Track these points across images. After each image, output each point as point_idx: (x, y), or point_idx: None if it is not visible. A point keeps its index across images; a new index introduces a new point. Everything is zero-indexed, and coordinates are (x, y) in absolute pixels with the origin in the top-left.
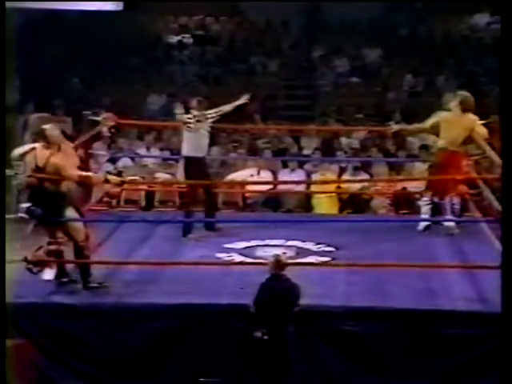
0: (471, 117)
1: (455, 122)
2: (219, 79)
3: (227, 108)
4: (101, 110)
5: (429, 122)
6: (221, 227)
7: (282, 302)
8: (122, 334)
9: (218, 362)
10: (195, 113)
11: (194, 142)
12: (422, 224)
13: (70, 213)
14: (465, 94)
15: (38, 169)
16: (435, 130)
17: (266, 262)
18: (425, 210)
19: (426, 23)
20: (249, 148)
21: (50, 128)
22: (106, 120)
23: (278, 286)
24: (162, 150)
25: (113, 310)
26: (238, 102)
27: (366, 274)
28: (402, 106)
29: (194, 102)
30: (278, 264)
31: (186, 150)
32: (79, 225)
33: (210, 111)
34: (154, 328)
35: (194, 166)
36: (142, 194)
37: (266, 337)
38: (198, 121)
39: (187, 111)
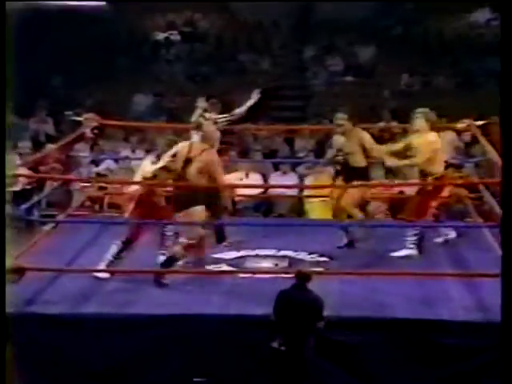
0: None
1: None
2: (208, 78)
3: (239, 111)
4: (84, 110)
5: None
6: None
7: (302, 313)
8: (105, 345)
9: (210, 371)
10: (208, 115)
11: None
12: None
13: None
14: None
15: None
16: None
17: (258, 272)
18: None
19: (422, 21)
20: (239, 150)
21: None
22: (88, 120)
23: (298, 296)
24: (147, 151)
25: (95, 320)
26: (250, 102)
27: (361, 283)
28: (396, 105)
29: (207, 104)
30: (302, 274)
31: None
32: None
33: (219, 116)
34: (140, 339)
35: None
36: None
37: (283, 348)
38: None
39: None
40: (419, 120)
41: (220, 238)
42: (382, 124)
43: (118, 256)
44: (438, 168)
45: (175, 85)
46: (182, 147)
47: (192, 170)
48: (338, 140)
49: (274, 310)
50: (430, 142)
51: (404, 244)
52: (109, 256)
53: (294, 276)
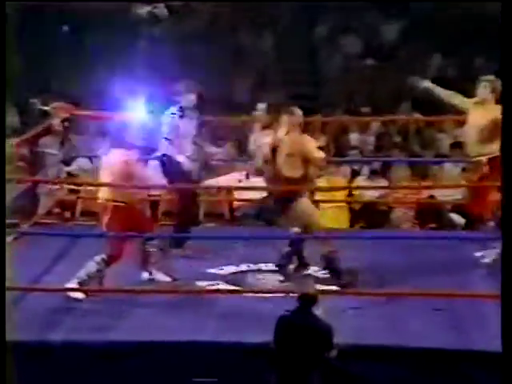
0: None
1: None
2: (199, 60)
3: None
4: (52, 98)
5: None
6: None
7: (306, 342)
8: (77, 379)
9: None
10: (186, 99)
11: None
12: (490, 255)
13: None
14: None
15: None
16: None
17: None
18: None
19: None
20: (237, 146)
21: None
22: (57, 110)
23: (302, 322)
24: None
25: (66, 348)
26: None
27: (382, 305)
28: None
29: (181, 86)
30: (306, 296)
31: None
32: None
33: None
34: (119, 371)
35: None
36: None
37: None
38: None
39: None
40: (483, 90)
41: (176, 243)
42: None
43: (94, 275)
44: (496, 147)
45: (160, 68)
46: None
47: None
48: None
49: (274, 338)
50: (493, 117)
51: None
52: (83, 274)
53: (296, 298)
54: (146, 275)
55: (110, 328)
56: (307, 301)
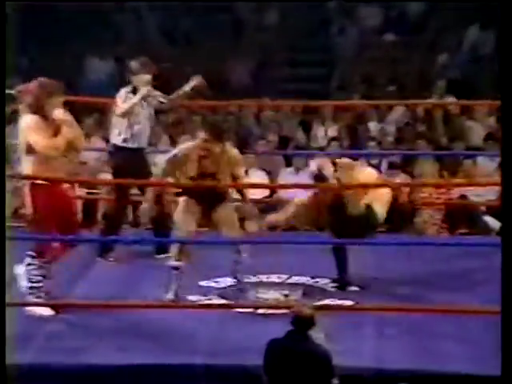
0: None
1: None
2: (190, 37)
3: (185, 90)
4: (19, 79)
5: None
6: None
7: (299, 371)
8: None
9: None
10: (138, 79)
11: (131, 125)
12: None
13: None
14: None
15: None
16: None
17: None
18: None
19: None
20: (235, 137)
21: None
22: (23, 94)
23: (295, 348)
24: (107, 140)
25: (28, 372)
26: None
27: (407, 324)
28: (457, 74)
29: (134, 65)
30: (300, 318)
31: (118, 137)
32: None
33: (158, 93)
34: None
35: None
36: (79, 203)
37: None
38: (142, 98)
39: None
40: None
41: (103, 249)
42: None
43: (37, 278)
44: None
45: (145, 45)
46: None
47: None
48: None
49: (264, 365)
50: None
51: None
52: (25, 284)
53: (291, 320)
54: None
55: (82, 349)
56: (302, 322)
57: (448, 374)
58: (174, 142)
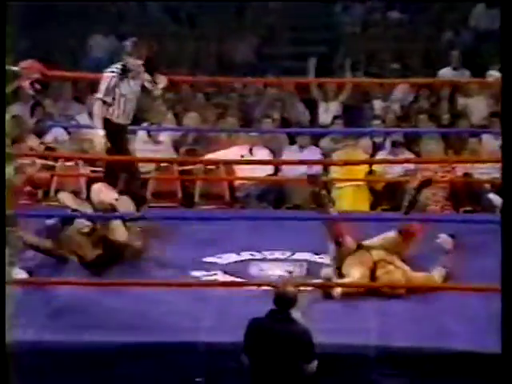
0: None
1: None
2: (194, 17)
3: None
4: (19, 56)
5: None
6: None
7: (278, 352)
8: None
9: None
10: (131, 61)
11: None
12: None
13: None
14: None
15: None
16: None
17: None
18: None
19: None
20: (239, 116)
21: None
22: (26, 71)
23: (274, 328)
24: None
25: (29, 351)
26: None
27: (412, 301)
28: (468, 49)
29: (128, 46)
30: (281, 295)
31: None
32: None
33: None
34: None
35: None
36: (83, 181)
37: None
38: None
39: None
40: None
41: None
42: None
43: None
44: None
45: (148, 24)
46: None
47: None
48: None
49: (244, 347)
50: None
51: None
52: None
53: (272, 299)
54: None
55: (84, 327)
56: (284, 301)
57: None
58: (178, 120)
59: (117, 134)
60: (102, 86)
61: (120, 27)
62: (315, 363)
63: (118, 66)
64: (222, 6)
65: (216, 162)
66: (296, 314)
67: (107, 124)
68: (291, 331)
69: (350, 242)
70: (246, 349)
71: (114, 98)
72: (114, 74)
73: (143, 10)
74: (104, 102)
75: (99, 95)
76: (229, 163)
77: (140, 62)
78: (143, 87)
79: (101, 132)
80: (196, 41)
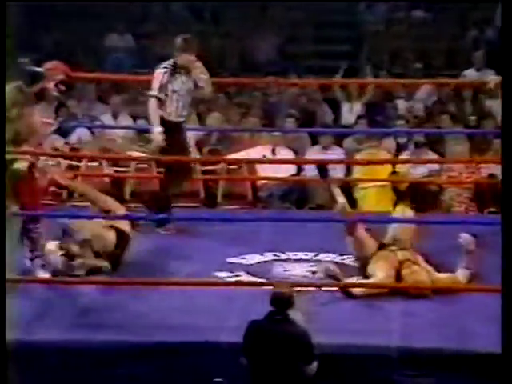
0: None
1: None
2: (218, 15)
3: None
4: (44, 56)
5: None
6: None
7: (277, 353)
8: None
9: None
10: (182, 58)
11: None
12: None
13: None
14: None
15: None
16: None
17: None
18: None
19: None
20: (262, 115)
21: None
22: (51, 72)
23: (273, 330)
24: (134, 117)
25: (53, 349)
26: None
27: (435, 302)
28: (488, 50)
29: (179, 43)
30: (277, 296)
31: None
32: None
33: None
34: (120, 376)
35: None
36: (107, 181)
37: None
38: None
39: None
40: None
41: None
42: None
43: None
44: None
45: (171, 23)
46: None
47: None
48: None
49: (242, 348)
50: None
51: None
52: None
53: (269, 300)
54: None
55: (102, 326)
56: (281, 302)
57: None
58: (201, 120)
59: (170, 132)
60: (155, 84)
61: (143, 26)
62: (315, 364)
63: (170, 62)
64: (246, 3)
65: (238, 162)
66: (295, 314)
67: (162, 122)
68: (289, 332)
69: (370, 242)
70: (245, 350)
71: (166, 95)
72: (165, 71)
73: (167, 9)
74: (158, 99)
75: (153, 92)
76: (251, 162)
77: (192, 58)
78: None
79: (158, 129)
80: (219, 39)
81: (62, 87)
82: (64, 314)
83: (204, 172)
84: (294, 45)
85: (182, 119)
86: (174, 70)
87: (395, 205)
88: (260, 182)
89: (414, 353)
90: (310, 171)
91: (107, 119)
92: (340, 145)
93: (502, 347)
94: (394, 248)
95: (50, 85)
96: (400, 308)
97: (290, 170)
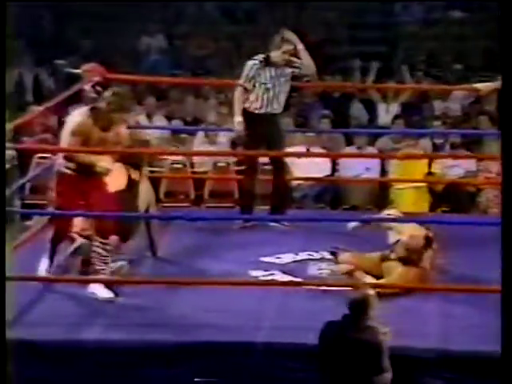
0: None
1: None
2: (252, 15)
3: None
4: (82, 58)
5: None
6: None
7: (349, 359)
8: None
9: None
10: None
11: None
12: None
13: None
14: None
15: None
16: None
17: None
18: None
19: None
20: (296, 115)
21: None
22: (89, 73)
23: (345, 334)
24: (169, 118)
25: (96, 349)
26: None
27: (473, 303)
28: None
29: (276, 40)
30: (355, 301)
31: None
32: None
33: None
34: (157, 377)
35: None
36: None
37: None
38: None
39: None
40: None
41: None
42: None
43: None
44: None
45: (204, 23)
46: None
47: None
48: None
49: (318, 348)
50: None
51: None
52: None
53: (347, 304)
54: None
55: (152, 325)
56: (357, 307)
57: None
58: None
59: (252, 124)
60: (244, 74)
61: (177, 27)
62: (387, 376)
63: (262, 56)
64: (280, 4)
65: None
66: (373, 320)
67: (244, 113)
68: (362, 341)
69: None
70: (319, 350)
71: (254, 86)
72: (255, 63)
73: (200, 10)
74: (245, 90)
75: (240, 81)
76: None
77: (287, 50)
78: (295, 77)
79: (238, 118)
80: (253, 40)
81: (99, 89)
82: (100, 314)
83: (238, 172)
84: (329, 45)
85: (269, 111)
86: (266, 63)
87: (431, 206)
88: (294, 182)
89: (450, 355)
90: (345, 171)
91: (142, 120)
92: (374, 145)
93: (502, 347)
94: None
95: (87, 86)
96: (436, 309)
97: (325, 170)
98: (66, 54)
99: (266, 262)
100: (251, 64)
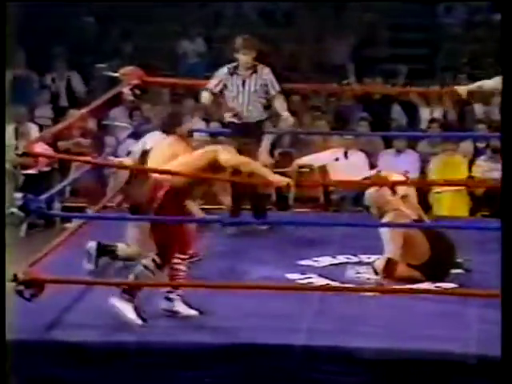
0: None
1: None
2: (291, 17)
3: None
4: (121, 61)
5: None
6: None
7: None
8: None
9: None
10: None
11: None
12: None
13: None
14: None
15: None
16: None
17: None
18: None
19: None
20: (334, 118)
21: None
22: (127, 76)
23: None
24: (206, 120)
25: (137, 351)
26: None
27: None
28: None
29: (237, 42)
30: None
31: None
32: None
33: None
34: (195, 379)
35: None
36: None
37: None
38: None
39: None
40: None
41: None
42: None
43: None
44: None
45: (242, 26)
46: None
47: None
48: None
49: None
50: None
51: None
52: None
53: None
54: (164, 303)
55: (180, 327)
56: None
57: None
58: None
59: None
60: (213, 80)
61: (215, 30)
62: None
63: (229, 66)
64: (320, 6)
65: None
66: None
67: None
68: None
69: None
70: None
71: (221, 92)
72: (224, 70)
73: (238, 13)
74: (212, 94)
75: (207, 86)
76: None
77: (247, 59)
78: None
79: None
80: (292, 42)
81: (138, 92)
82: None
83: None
84: (369, 48)
85: (242, 121)
86: (234, 70)
87: (471, 210)
88: (332, 185)
89: (488, 360)
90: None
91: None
92: (415, 148)
93: (502, 350)
94: None
95: (126, 89)
96: (475, 313)
97: (364, 173)
98: (107, 57)
99: (304, 265)
100: (220, 71)
